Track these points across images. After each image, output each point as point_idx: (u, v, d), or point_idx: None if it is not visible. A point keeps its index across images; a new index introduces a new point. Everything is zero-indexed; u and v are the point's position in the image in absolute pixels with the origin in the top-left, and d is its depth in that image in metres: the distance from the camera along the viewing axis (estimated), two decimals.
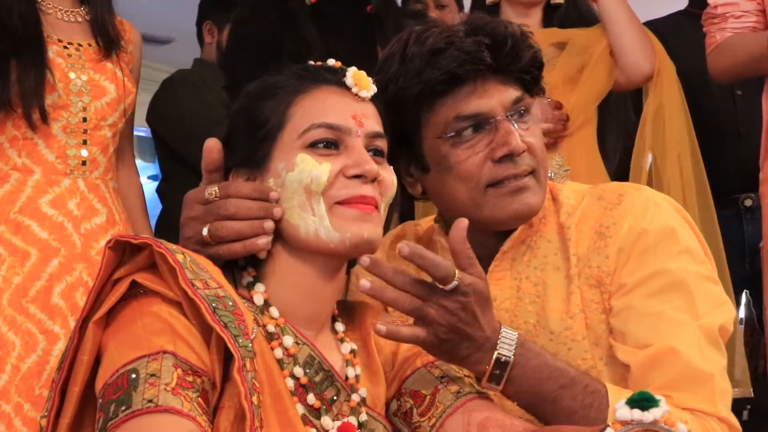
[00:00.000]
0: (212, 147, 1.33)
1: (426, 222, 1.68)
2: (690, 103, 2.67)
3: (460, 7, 3.32)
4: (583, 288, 1.45)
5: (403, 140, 1.48)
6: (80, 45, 2.30)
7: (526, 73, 1.48)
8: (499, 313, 1.45)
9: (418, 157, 1.51)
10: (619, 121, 2.63)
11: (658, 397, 0.97)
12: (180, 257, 1.16)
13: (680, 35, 2.88)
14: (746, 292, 2.88)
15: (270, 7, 2.48)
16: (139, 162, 2.76)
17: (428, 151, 1.49)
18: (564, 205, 1.52)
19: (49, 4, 2.29)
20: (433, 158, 1.49)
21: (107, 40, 2.33)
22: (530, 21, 2.54)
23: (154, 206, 3.34)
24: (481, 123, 1.45)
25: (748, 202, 2.78)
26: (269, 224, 1.28)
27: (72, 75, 2.23)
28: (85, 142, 2.25)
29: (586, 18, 2.57)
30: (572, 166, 2.35)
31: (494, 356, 1.28)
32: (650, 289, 1.39)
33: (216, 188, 1.30)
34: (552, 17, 2.60)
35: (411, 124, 1.48)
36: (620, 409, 0.97)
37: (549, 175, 1.61)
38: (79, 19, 2.34)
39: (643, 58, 2.48)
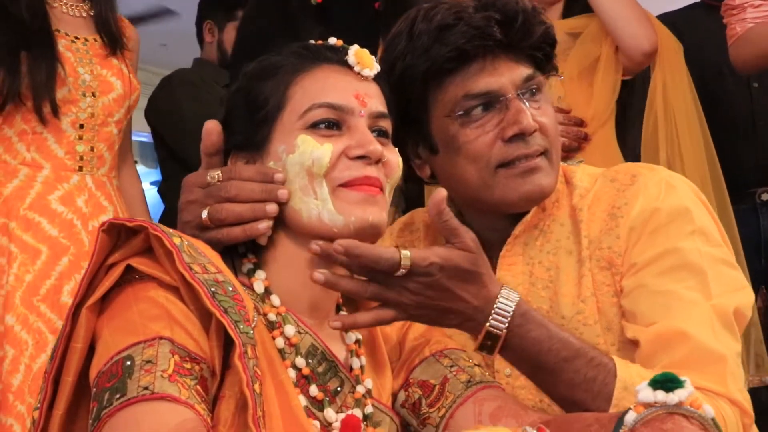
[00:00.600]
0: (212, 129, 1.28)
1: None
2: (706, 96, 2.61)
3: None
4: (594, 270, 1.40)
5: (411, 120, 1.43)
6: (86, 39, 2.29)
7: (538, 50, 1.43)
8: None
9: (426, 138, 1.46)
10: (640, 111, 2.57)
11: (683, 378, 0.91)
12: (177, 240, 1.11)
13: (695, 27, 2.83)
14: (762, 287, 2.82)
15: (270, 6, 2.48)
16: (141, 168, 2.76)
17: (437, 131, 1.44)
18: (577, 188, 1.47)
19: None
20: (441, 138, 1.44)
21: (111, 37, 2.33)
22: (551, 17, 2.49)
23: (157, 211, 3.31)
24: (491, 101, 1.40)
25: (765, 196, 2.72)
26: (272, 207, 1.22)
27: (81, 70, 2.23)
28: (93, 138, 2.24)
29: None
30: (590, 161, 2.31)
31: (485, 328, 1.23)
32: (661, 267, 1.34)
33: (219, 172, 1.25)
34: (573, 11, 2.54)
35: (419, 103, 1.43)
36: (642, 391, 0.91)
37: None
38: (84, 14, 2.35)
39: (640, 34, 2.40)
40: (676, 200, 1.38)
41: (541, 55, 1.43)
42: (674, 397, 0.90)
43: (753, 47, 2.38)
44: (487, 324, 1.23)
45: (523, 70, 1.41)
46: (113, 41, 2.33)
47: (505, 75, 1.40)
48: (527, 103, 1.40)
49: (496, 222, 1.46)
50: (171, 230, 1.13)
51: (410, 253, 1.17)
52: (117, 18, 2.39)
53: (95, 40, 2.32)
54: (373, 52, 1.32)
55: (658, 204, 1.37)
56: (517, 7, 1.40)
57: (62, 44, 2.22)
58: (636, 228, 1.37)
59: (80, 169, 2.23)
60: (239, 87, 1.32)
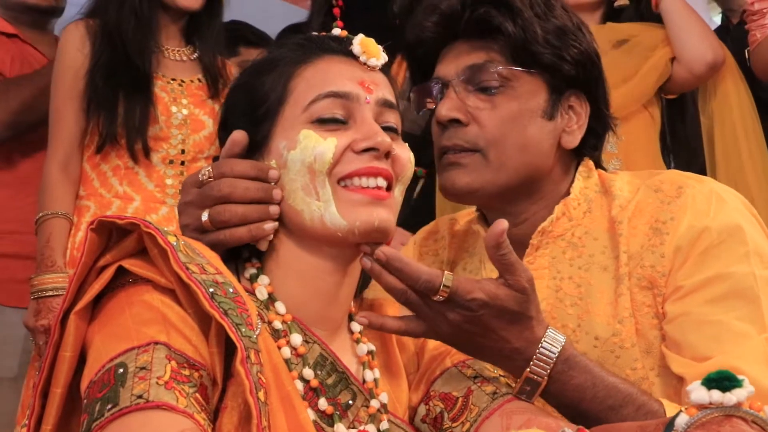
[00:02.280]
0: (239, 140, 1.17)
1: (463, 216, 1.54)
2: None
3: None
4: (634, 290, 1.30)
5: None
6: (183, 81, 2.46)
7: (502, 38, 1.34)
8: None
9: None
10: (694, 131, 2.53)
11: (740, 376, 0.81)
12: (172, 239, 1.02)
13: None
14: None
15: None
16: None
17: None
18: (617, 198, 1.37)
19: (157, 43, 2.45)
20: None
21: (215, 80, 2.49)
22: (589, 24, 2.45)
23: None
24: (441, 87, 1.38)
25: None
26: (275, 209, 1.14)
27: (174, 109, 2.39)
28: (182, 173, 2.39)
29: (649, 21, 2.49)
30: (628, 159, 2.29)
31: (526, 373, 1.15)
32: (711, 294, 1.23)
33: (209, 168, 1.16)
34: (615, 21, 2.50)
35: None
36: (695, 391, 0.81)
37: None
38: (184, 58, 2.51)
39: (705, 45, 2.37)
40: (727, 217, 1.27)
41: (518, 47, 1.34)
42: (732, 397, 0.80)
43: None
44: (528, 369, 1.15)
45: (474, 58, 1.35)
46: (215, 82, 2.48)
47: (454, 62, 1.36)
48: (466, 93, 1.34)
49: (495, 215, 1.37)
50: (166, 229, 1.04)
51: (453, 281, 1.09)
52: (223, 61, 2.55)
53: (191, 81, 2.47)
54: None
55: (708, 222, 1.27)
56: (455, 2, 1.36)
57: (158, 85, 2.39)
58: (683, 248, 1.27)
59: (168, 200, 2.37)
60: (238, 84, 1.25)
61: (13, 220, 2.65)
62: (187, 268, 1.00)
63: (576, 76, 1.37)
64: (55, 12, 2.86)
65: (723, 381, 0.80)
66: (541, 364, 1.14)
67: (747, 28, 2.45)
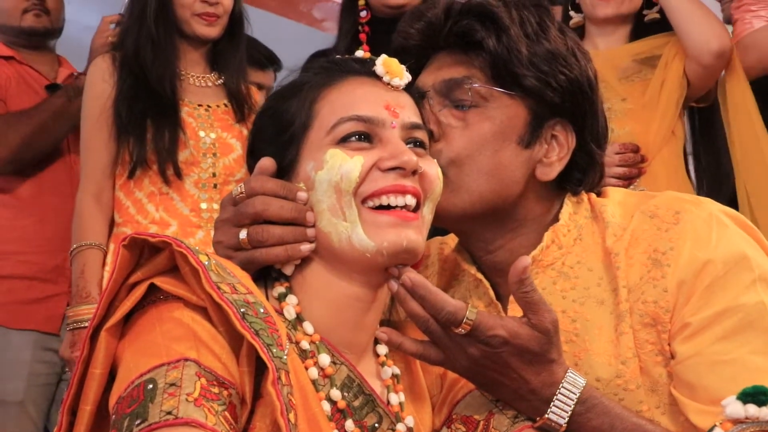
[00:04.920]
0: (266, 168, 1.18)
1: (453, 239, 1.45)
2: None
3: None
4: (636, 327, 1.23)
5: None
6: (209, 106, 2.53)
7: (485, 54, 1.28)
8: None
9: None
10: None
11: None
12: (204, 259, 1.02)
13: None
14: None
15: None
16: None
17: None
18: (610, 225, 1.30)
19: (183, 70, 2.53)
20: None
21: (239, 104, 2.56)
22: (615, 38, 2.46)
23: None
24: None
25: None
26: (312, 231, 1.14)
27: (202, 133, 2.46)
28: (214, 197, 2.44)
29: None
30: (653, 187, 2.21)
31: (544, 419, 1.14)
32: (722, 330, 1.17)
33: (242, 185, 1.18)
34: (646, 35, 2.46)
35: None
36: (731, 405, 0.81)
37: None
38: (209, 84, 2.58)
39: (708, 33, 2.29)
40: (730, 245, 1.21)
41: (499, 65, 1.28)
42: None
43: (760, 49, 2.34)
44: (546, 415, 1.14)
45: (453, 72, 1.30)
46: (241, 107, 2.55)
47: (434, 73, 1.32)
48: (438, 107, 1.29)
49: (472, 242, 1.34)
50: (198, 248, 1.04)
51: (477, 315, 1.09)
52: (247, 86, 2.63)
53: (218, 106, 2.53)
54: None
55: (711, 252, 1.20)
56: (440, 11, 1.31)
57: (185, 111, 2.45)
58: (687, 281, 1.20)
59: (205, 225, 2.42)
60: (264, 109, 1.26)
61: (15, 241, 2.69)
62: (219, 288, 1.00)
63: (561, 105, 1.29)
64: (52, 33, 2.94)
65: (759, 395, 0.80)
66: (559, 409, 1.13)
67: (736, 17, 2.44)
